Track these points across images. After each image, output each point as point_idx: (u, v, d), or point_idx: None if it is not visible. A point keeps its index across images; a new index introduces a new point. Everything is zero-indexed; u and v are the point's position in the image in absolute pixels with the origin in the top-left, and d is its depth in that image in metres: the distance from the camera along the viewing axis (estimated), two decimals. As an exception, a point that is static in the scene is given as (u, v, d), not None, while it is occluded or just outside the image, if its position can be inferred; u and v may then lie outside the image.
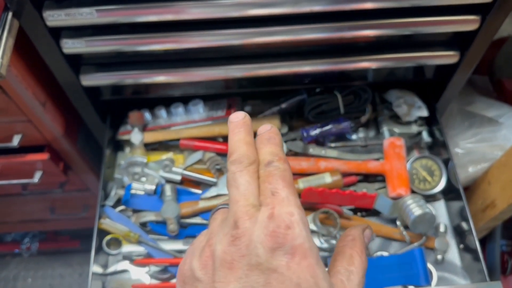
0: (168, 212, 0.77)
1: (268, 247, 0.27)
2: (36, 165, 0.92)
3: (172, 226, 0.76)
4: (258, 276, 0.27)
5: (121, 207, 0.81)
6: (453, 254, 0.78)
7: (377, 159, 0.84)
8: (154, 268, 0.76)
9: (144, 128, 0.88)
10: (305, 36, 0.68)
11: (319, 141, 0.87)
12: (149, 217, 0.79)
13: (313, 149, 0.85)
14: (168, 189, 0.79)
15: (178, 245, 0.78)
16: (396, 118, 0.88)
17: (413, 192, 0.81)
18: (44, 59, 0.69)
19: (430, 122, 0.88)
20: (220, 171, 0.84)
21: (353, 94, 0.86)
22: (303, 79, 0.84)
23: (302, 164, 0.82)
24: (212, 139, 0.87)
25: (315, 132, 0.85)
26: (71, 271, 1.48)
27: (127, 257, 0.78)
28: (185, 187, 0.84)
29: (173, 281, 0.77)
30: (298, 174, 0.82)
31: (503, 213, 0.92)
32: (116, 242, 0.78)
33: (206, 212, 0.80)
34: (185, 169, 0.83)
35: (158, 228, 0.79)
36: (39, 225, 1.35)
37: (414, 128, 0.87)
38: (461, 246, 0.78)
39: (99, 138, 0.91)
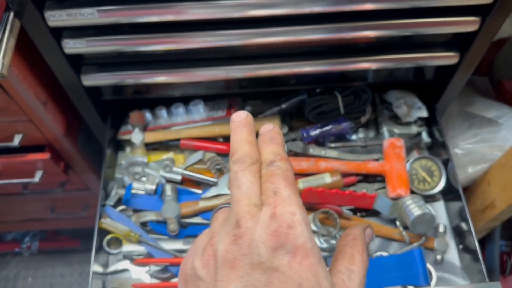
0: (168, 211, 0.77)
1: (270, 247, 0.27)
2: (36, 164, 0.93)
3: (173, 226, 0.77)
4: (260, 275, 0.27)
5: (122, 207, 0.81)
6: (453, 255, 0.78)
7: (377, 160, 0.85)
8: (154, 268, 0.76)
9: (144, 128, 0.88)
10: (306, 37, 0.68)
11: (319, 142, 0.88)
12: (150, 216, 0.79)
13: (313, 150, 0.85)
14: (168, 189, 0.79)
15: (178, 245, 0.78)
16: (396, 119, 0.89)
17: (412, 192, 0.81)
18: (45, 59, 0.70)
19: (430, 122, 0.88)
20: (221, 171, 0.84)
21: (353, 94, 0.86)
22: (299, 79, 0.85)
23: (302, 164, 0.82)
24: (213, 139, 0.87)
25: (315, 132, 0.85)
26: (72, 270, 1.48)
27: (128, 256, 0.78)
28: (185, 187, 0.84)
29: (173, 280, 0.77)
30: (298, 174, 0.82)
31: (502, 213, 0.92)
32: (117, 242, 0.79)
33: (206, 212, 0.80)
34: (185, 169, 0.83)
35: (159, 227, 0.79)
36: (39, 224, 1.35)
37: (414, 129, 0.87)
38: (461, 246, 0.78)
39: (99, 138, 0.91)
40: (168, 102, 0.88)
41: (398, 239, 0.78)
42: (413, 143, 0.87)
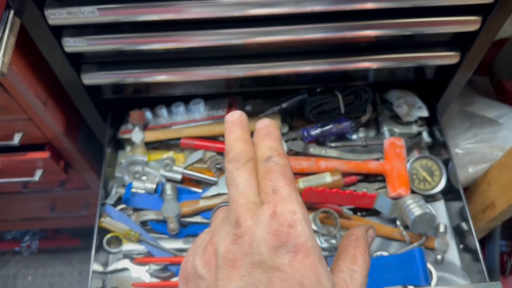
0: (168, 211, 0.77)
1: (271, 246, 0.27)
2: (36, 163, 0.92)
3: (173, 225, 0.77)
4: (261, 274, 0.27)
5: (122, 206, 0.81)
6: (453, 254, 0.78)
7: (377, 159, 0.85)
8: (154, 267, 0.76)
9: (145, 127, 0.88)
10: (306, 36, 0.68)
11: (320, 141, 0.88)
12: (150, 215, 0.79)
13: (313, 149, 0.85)
14: (168, 188, 0.79)
15: (178, 244, 0.78)
16: (396, 118, 0.88)
17: (413, 192, 0.81)
18: (45, 58, 0.69)
19: (431, 122, 0.88)
20: (221, 170, 0.84)
21: (353, 94, 0.86)
22: (300, 79, 0.84)
23: (303, 163, 0.82)
24: (213, 138, 0.87)
25: (315, 131, 0.85)
26: (71, 269, 1.48)
27: (128, 255, 0.78)
28: (185, 186, 0.84)
29: (174, 279, 0.77)
30: (299, 174, 0.82)
31: (502, 213, 0.92)
32: (117, 241, 0.79)
33: (206, 211, 0.80)
34: (185, 168, 0.83)
35: (159, 226, 0.79)
36: (39, 223, 1.35)
37: (415, 128, 0.87)
38: (461, 246, 0.78)
39: (100, 137, 0.91)
40: (169, 101, 0.88)
41: (399, 239, 0.78)
42: (413, 142, 0.87)
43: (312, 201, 0.77)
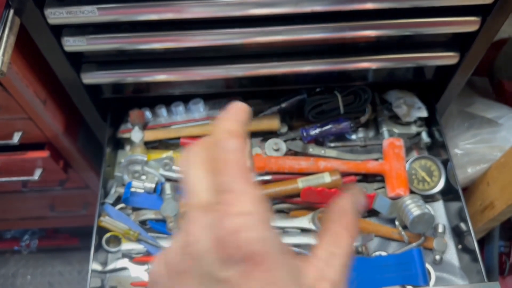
0: (167, 210, 0.77)
1: (218, 257, 0.24)
2: (36, 162, 0.93)
3: (172, 225, 0.77)
4: (213, 285, 0.25)
5: (121, 205, 0.81)
6: (452, 255, 0.78)
7: (377, 159, 0.85)
8: (153, 266, 0.76)
9: (144, 126, 0.88)
10: (306, 36, 0.68)
11: (319, 141, 0.88)
12: (149, 215, 0.79)
13: (312, 149, 0.85)
14: (168, 188, 0.79)
15: (177, 244, 0.78)
16: (395, 119, 0.89)
17: (412, 192, 0.81)
18: (45, 57, 0.70)
19: (430, 122, 0.88)
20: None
21: (353, 94, 0.86)
22: (299, 79, 0.85)
23: (302, 163, 0.82)
24: (212, 138, 0.87)
25: (314, 131, 0.85)
26: (71, 269, 1.48)
27: (127, 255, 0.78)
28: (184, 185, 0.84)
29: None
30: (298, 174, 0.82)
31: (501, 214, 0.92)
32: (116, 240, 0.79)
33: (205, 211, 0.80)
34: (185, 167, 0.83)
35: (158, 226, 0.79)
36: (38, 223, 1.35)
37: (414, 129, 0.87)
38: (460, 246, 0.78)
39: (99, 136, 0.91)
40: (168, 100, 0.88)
41: (397, 239, 0.78)
42: (412, 143, 0.87)
43: (311, 201, 0.77)
